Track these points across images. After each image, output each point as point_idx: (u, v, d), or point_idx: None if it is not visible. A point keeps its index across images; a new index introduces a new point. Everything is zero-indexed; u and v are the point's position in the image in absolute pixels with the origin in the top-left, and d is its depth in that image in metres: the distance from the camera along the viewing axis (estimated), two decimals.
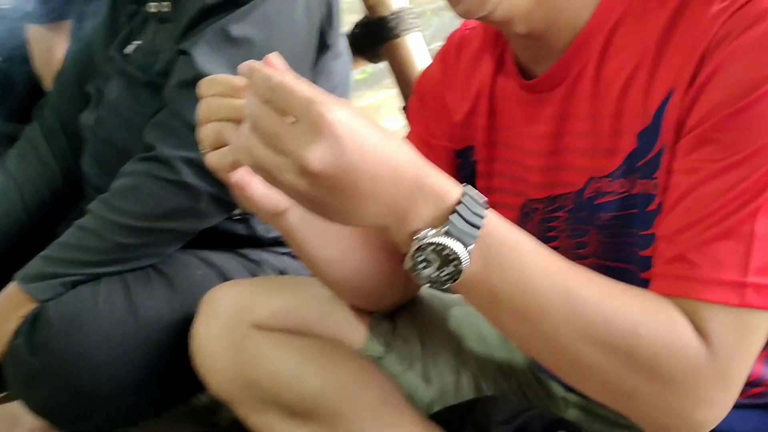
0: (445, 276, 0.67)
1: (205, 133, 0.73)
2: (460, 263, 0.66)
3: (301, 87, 0.61)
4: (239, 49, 1.21)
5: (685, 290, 0.70)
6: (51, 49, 1.75)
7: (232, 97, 0.70)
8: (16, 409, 1.23)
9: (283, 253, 1.43)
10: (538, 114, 0.88)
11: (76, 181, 1.50)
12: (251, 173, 0.71)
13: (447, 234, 0.65)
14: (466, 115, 0.97)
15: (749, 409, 0.85)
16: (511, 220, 0.92)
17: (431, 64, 1.06)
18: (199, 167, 1.17)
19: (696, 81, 0.73)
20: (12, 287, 1.23)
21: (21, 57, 1.77)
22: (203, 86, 0.73)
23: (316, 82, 1.37)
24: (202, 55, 1.20)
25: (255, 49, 1.22)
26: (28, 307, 1.21)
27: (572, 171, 0.86)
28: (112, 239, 1.22)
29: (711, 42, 0.72)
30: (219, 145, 0.72)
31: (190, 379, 1.05)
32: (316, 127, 0.60)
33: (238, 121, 0.68)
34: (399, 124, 1.07)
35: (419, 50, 1.64)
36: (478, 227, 0.66)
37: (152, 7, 1.33)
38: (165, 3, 1.31)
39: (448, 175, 0.68)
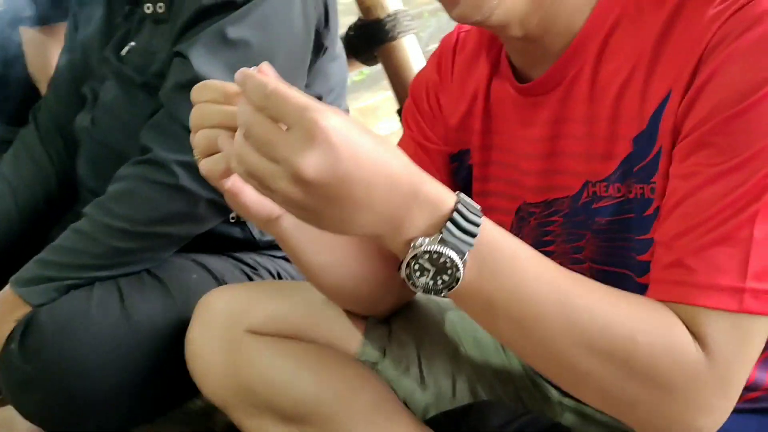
0: (440, 284, 0.67)
1: (198, 139, 0.72)
2: (456, 271, 0.66)
3: (295, 94, 0.61)
4: (236, 52, 1.21)
5: (683, 296, 0.70)
6: (46, 53, 1.75)
7: (226, 104, 0.70)
8: (11, 413, 1.23)
9: (279, 257, 1.43)
10: (534, 117, 0.87)
11: (71, 183, 1.50)
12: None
13: (442, 242, 0.65)
14: (461, 119, 0.97)
15: (747, 413, 0.84)
16: (507, 224, 0.92)
17: (426, 67, 1.05)
18: (197, 171, 1.16)
19: (693, 85, 0.72)
20: (6, 291, 1.22)
21: (16, 60, 1.76)
22: (196, 92, 0.73)
23: (313, 83, 1.37)
24: (199, 57, 1.19)
25: (252, 52, 1.21)
26: (22, 310, 1.20)
27: (568, 175, 0.85)
28: (107, 243, 1.22)
29: (708, 45, 0.72)
30: (212, 152, 0.72)
31: (185, 383, 1.05)
32: (309, 134, 0.59)
33: (231, 128, 0.68)
34: (396, 126, 1.07)
35: (415, 53, 1.64)
36: (473, 235, 0.66)
37: (148, 9, 1.32)
38: (160, 4, 1.30)
39: (442, 183, 0.68)
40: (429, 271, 0.66)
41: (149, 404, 1.27)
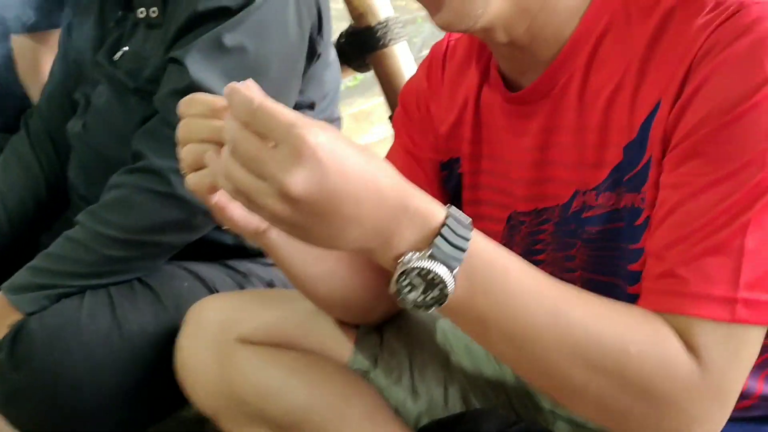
0: (430, 300, 0.66)
1: (185, 154, 0.72)
2: (446, 287, 0.65)
3: (282, 110, 0.61)
4: (232, 58, 1.21)
5: (675, 306, 0.69)
6: (36, 60, 1.74)
7: (214, 118, 0.69)
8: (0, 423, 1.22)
9: (271, 264, 1.42)
10: (524, 126, 0.87)
11: (62, 189, 1.49)
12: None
13: (431, 257, 0.64)
14: (451, 127, 0.96)
15: (741, 422, 0.84)
16: (497, 232, 0.92)
17: (416, 75, 1.05)
18: None
19: (682, 94, 0.72)
20: None
21: (6, 68, 1.75)
22: (184, 105, 0.72)
23: (307, 90, 1.37)
24: (195, 63, 1.19)
25: (248, 58, 1.21)
26: (13, 317, 1.20)
27: (558, 184, 0.85)
28: (100, 252, 1.21)
29: (697, 54, 0.72)
30: (198, 167, 0.71)
31: (177, 392, 1.04)
32: (297, 151, 0.59)
33: (218, 143, 0.67)
34: (390, 131, 1.06)
35: (406, 60, 1.64)
36: (463, 250, 0.65)
37: (141, 13, 1.32)
38: (153, 9, 1.30)
39: (433, 191, 0.67)
40: (418, 287, 0.65)
41: (141, 413, 1.26)
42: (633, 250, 0.78)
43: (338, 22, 1.51)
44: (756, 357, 0.71)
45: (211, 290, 1.30)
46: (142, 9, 1.31)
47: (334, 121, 1.50)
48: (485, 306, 0.67)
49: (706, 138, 0.70)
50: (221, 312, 1.03)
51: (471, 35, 0.91)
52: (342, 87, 1.57)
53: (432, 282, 0.65)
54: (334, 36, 1.55)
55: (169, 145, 1.18)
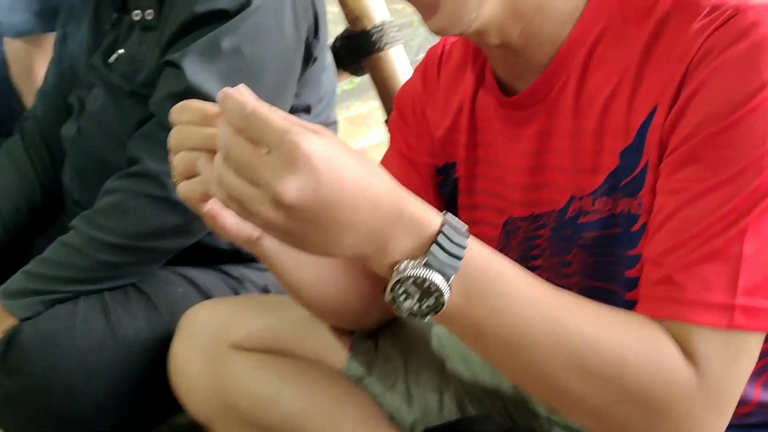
0: (425, 308, 0.65)
1: (177, 162, 0.71)
2: (441, 295, 0.64)
3: (276, 116, 0.60)
4: (229, 61, 1.20)
5: (672, 313, 0.69)
6: (31, 64, 1.73)
7: (206, 125, 0.68)
8: None
9: (266, 269, 1.41)
10: (520, 131, 0.87)
11: (56, 194, 1.49)
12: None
13: (427, 266, 0.63)
14: (447, 131, 0.96)
15: (739, 429, 0.83)
16: (494, 237, 0.91)
17: (411, 79, 1.04)
18: None
19: (679, 98, 0.72)
20: None
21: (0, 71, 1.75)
22: (176, 113, 0.71)
23: (303, 93, 1.37)
24: (192, 66, 1.18)
25: (245, 61, 1.21)
26: (8, 322, 1.19)
27: (554, 189, 0.85)
28: (95, 257, 1.21)
29: (694, 58, 0.71)
30: (190, 175, 0.70)
31: (171, 398, 1.04)
32: (291, 157, 0.58)
33: (210, 151, 0.66)
34: (386, 135, 1.06)
35: (402, 64, 1.64)
36: (459, 258, 0.64)
37: (136, 16, 1.31)
38: (149, 11, 1.30)
39: (429, 196, 0.67)
40: (414, 295, 0.65)
41: (135, 419, 1.25)
42: (630, 256, 0.78)
43: (334, 26, 1.51)
44: (755, 364, 0.71)
45: (206, 296, 1.29)
46: (138, 11, 1.31)
47: (331, 125, 1.49)
48: (481, 314, 0.67)
49: (703, 143, 0.69)
50: (215, 318, 1.03)
51: (467, 39, 0.90)
52: (338, 90, 1.57)
53: (428, 290, 0.64)
54: (330, 39, 1.55)
55: (165, 149, 1.17)
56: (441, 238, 0.64)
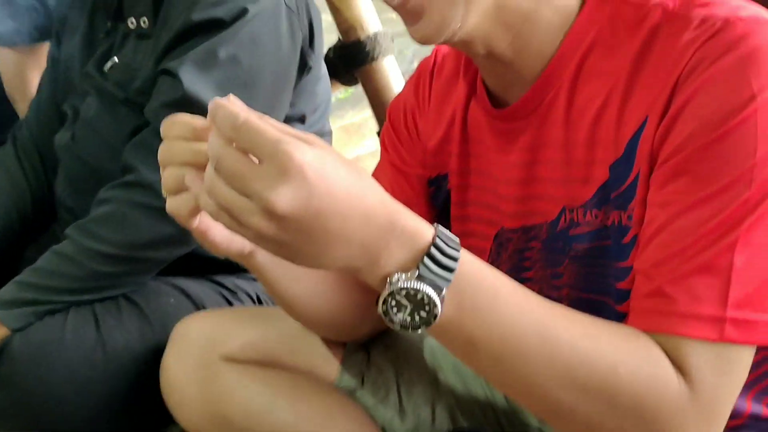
0: (418, 320, 0.65)
1: (165, 177, 0.70)
2: (434, 308, 0.64)
3: (267, 126, 0.59)
4: (225, 70, 1.20)
5: (663, 326, 0.69)
6: (23, 73, 1.73)
7: (195, 140, 0.67)
8: None
9: None
10: (511, 143, 0.86)
11: (47, 202, 1.48)
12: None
13: (419, 278, 0.63)
14: (439, 143, 0.96)
15: None
16: (485, 249, 0.91)
17: (403, 90, 1.04)
18: None
19: (669, 110, 0.72)
20: None
21: None
22: (165, 128, 0.70)
23: (298, 102, 1.37)
24: (189, 75, 1.18)
25: (241, 70, 1.21)
26: (0, 332, 1.18)
27: (546, 201, 0.84)
28: (89, 267, 1.20)
29: (683, 70, 0.71)
30: (180, 190, 0.69)
31: (162, 410, 1.03)
32: (283, 168, 0.57)
33: (199, 166, 0.65)
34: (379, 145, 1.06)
35: (395, 74, 1.64)
36: (451, 270, 0.64)
37: (131, 24, 1.31)
38: (144, 19, 1.29)
39: (420, 207, 0.67)
40: (406, 307, 0.64)
41: (125, 431, 1.25)
42: (621, 268, 0.78)
43: (327, 35, 1.51)
44: (746, 376, 0.70)
45: (198, 306, 1.29)
46: (133, 19, 1.31)
47: (325, 134, 1.49)
48: (473, 326, 0.66)
49: (693, 155, 0.69)
50: (206, 330, 1.02)
51: (459, 50, 0.90)
52: (333, 99, 1.57)
53: (420, 302, 0.64)
54: (324, 48, 1.55)
55: None
56: (433, 251, 0.64)
